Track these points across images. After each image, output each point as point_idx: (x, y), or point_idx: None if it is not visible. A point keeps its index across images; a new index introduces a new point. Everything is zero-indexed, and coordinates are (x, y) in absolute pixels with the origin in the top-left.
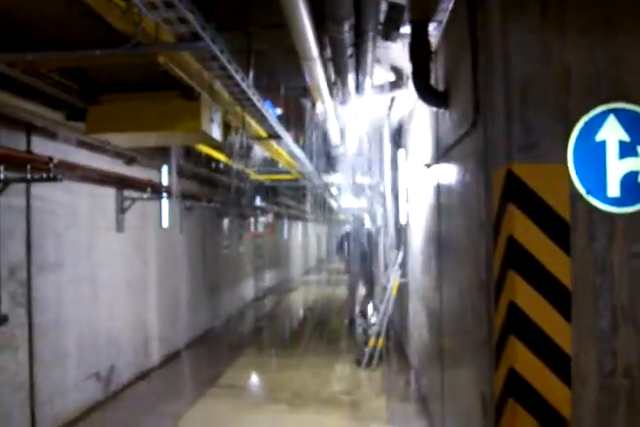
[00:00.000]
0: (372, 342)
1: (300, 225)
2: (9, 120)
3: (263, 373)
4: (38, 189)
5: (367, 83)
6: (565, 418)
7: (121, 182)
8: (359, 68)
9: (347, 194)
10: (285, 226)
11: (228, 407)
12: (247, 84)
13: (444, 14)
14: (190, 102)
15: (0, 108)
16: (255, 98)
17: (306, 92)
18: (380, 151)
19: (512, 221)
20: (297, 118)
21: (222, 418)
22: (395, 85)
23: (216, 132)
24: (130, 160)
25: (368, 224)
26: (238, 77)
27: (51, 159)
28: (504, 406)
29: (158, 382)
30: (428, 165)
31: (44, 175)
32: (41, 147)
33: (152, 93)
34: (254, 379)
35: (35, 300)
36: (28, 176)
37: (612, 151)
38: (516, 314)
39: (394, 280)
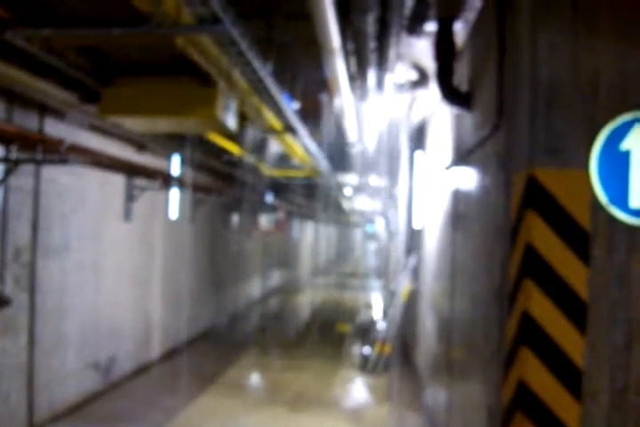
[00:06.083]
0: (377, 347)
1: (310, 225)
2: (22, 99)
3: (265, 373)
4: (48, 172)
5: (388, 79)
6: None
7: (131, 170)
8: (381, 62)
9: (361, 195)
10: (296, 225)
11: (228, 406)
12: (265, 72)
13: (471, 13)
14: (206, 89)
15: (14, 86)
16: (273, 88)
17: (324, 86)
18: (397, 152)
19: (531, 227)
20: (314, 116)
21: (221, 416)
22: (416, 85)
23: (231, 122)
24: (141, 147)
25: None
26: (256, 64)
27: (62, 141)
28: (511, 420)
29: (158, 377)
30: (447, 168)
31: (55, 157)
32: (53, 129)
33: (167, 78)
34: (256, 379)
35: (38, 284)
36: (38, 157)
37: (637, 162)
38: (530, 324)
39: (404, 286)
